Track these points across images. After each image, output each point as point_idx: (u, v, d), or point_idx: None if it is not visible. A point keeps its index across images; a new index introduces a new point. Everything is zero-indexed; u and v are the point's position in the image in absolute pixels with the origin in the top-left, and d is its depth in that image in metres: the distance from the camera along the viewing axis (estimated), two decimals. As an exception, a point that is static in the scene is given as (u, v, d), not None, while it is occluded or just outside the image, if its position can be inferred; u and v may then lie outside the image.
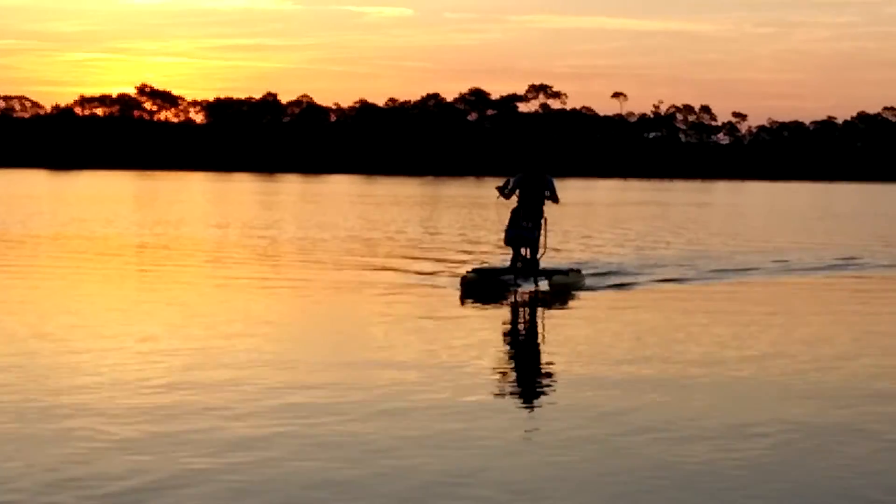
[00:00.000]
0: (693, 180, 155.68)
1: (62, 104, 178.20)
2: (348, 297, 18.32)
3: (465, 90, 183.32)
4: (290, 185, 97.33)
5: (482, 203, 58.54)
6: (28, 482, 7.49)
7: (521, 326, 16.36)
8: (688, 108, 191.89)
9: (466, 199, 67.53)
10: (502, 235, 20.08)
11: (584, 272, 20.84)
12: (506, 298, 18.80)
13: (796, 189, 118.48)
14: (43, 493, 7.27)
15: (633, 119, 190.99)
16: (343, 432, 8.92)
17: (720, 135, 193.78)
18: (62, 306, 16.45)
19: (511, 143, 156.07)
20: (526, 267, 19.92)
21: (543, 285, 19.69)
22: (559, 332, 14.93)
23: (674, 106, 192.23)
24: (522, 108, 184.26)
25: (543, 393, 10.91)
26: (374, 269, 22.56)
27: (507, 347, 14.10)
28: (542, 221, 20.07)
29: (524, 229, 19.80)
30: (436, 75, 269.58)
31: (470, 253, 26.96)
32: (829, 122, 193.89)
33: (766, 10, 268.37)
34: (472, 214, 48.08)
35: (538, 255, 20.02)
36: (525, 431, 9.27)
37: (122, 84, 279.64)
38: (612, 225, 42.04)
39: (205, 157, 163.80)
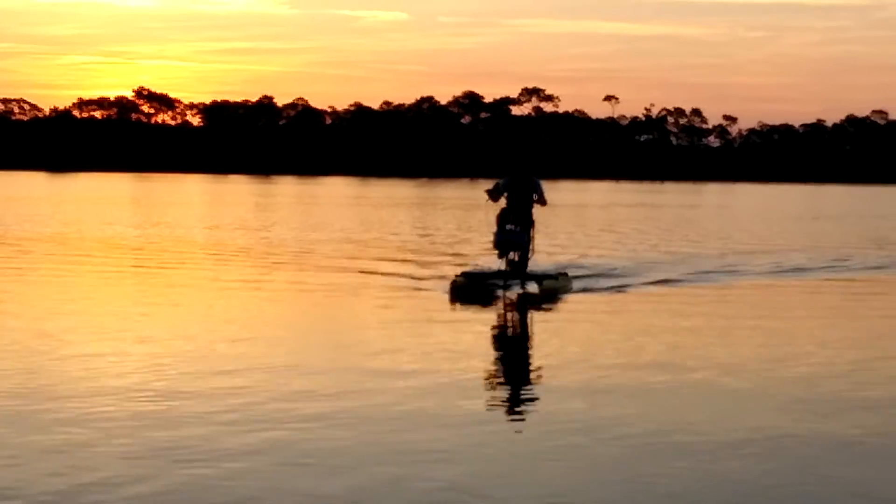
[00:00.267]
0: (684, 182, 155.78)
1: (60, 107, 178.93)
2: (341, 300, 18.39)
3: (458, 93, 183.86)
4: (286, 187, 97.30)
5: (475, 205, 58.54)
6: (25, 490, 7.50)
7: (510, 331, 16.39)
8: (679, 111, 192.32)
9: (460, 201, 67.57)
10: (492, 238, 20.09)
11: (572, 275, 20.95)
12: (495, 302, 18.84)
13: (786, 191, 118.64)
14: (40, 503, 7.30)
15: (624, 122, 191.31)
16: (334, 437, 8.95)
17: (711, 137, 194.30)
18: (60, 308, 16.50)
19: (504, 145, 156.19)
20: (514, 270, 19.94)
21: (532, 288, 19.69)
22: (549, 337, 14.89)
23: (665, 109, 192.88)
24: (515, 111, 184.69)
25: (532, 401, 10.88)
26: (367, 273, 22.61)
27: (496, 353, 14.15)
28: (531, 224, 20.15)
29: (511, 233, 19.83)
30: (430, 79, 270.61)
31: (461, 255, 27.00)
32: (818, 126, 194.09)
33: (758, 15, 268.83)
34: (466, 216, 48.12)
35: (527, 258, 20.09)
36: (513, 442, 9.28)
37: (119, 87, 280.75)
38: (603, 227, 42.10)
39: (202, 159, 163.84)
